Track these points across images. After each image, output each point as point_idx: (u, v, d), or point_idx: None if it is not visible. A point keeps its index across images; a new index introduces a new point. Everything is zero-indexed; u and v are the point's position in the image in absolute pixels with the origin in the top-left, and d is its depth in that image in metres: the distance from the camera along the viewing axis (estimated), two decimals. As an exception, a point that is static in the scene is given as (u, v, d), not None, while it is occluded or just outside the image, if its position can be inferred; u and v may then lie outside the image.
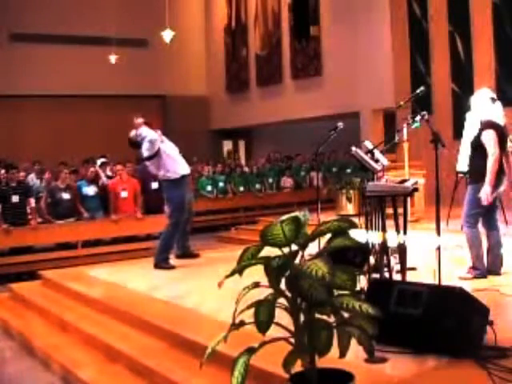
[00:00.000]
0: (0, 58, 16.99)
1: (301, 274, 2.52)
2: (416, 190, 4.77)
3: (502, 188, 5.31)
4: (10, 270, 8.77)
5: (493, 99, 5.42)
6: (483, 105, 5.41)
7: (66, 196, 9.64)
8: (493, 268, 5.32)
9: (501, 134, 5.20)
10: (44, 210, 9.49)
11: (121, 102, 18.59)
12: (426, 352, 3.38)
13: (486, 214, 5.35)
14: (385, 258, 4.71)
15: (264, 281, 2.66)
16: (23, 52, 17.31)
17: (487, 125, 5.23)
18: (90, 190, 9.95)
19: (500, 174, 5.21)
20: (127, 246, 9.64)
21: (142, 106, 19.35)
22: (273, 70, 17.73)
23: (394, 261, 4.91)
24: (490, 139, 5.14)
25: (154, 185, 10.20)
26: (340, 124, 6.16)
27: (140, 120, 7.05)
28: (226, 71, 19.81)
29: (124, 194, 9.96)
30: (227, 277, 2.63)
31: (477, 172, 5.27)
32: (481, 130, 5.24)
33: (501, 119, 5.32)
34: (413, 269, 5.32)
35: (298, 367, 2.61)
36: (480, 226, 5.38)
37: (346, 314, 2.60)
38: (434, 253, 4.34)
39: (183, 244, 7.34)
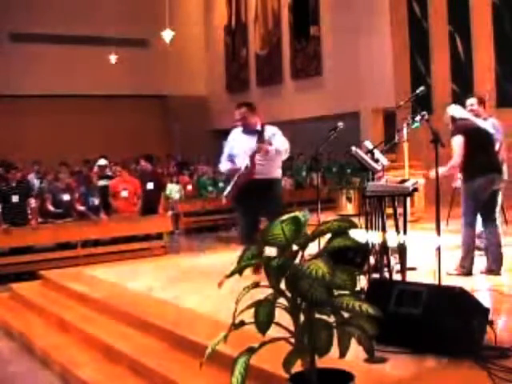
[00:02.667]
0: (0, 58, 17.00)
1: (301, 274, 2.52)
2: (416, 190, 4.78)
3: (495, 187, 5.35)
4: (10, 270, 8.76)
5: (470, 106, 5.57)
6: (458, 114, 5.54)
7: (65, 197, 9.66)
8: (493, 267, 5.34)
9: (475, 134, 5.24)
10: (50, 211, 9.52)
11: (121, 102, 18.61)
12: (425, 352, 3.38)
13: (483, 213, 5.41)
14: (385, 257, 4.71)
15: (264, 281, 2.66)
16: (23, 52, 17.33)
17: (457, 129, 5.32)
18: (96, 200, 9.92)
19: (491, 171, 5.28)
20: (127, 246, 9.63)
21: (142, 106, 19.42)
22: (273, 70, 17.74)
23: (394, 261, 4.92)
24: (456, 146, 5.26)
25: (149, 185, 10.22)
26: (340, 124, 6.16)
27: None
28: (226, 71, 19.81)
29: (124, 194, 9.97)
30: (227, 277, 2.63)
31: (466, 171, 5.36)
32: (452, 134, 5.34)
33: (477, 121, 5.40)
34: (413, 269, 5.32)
35: (298, 367, 2.61)
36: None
37: (346, 314, 2.60)
38: (434, 253, 4.34)
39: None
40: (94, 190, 9.97)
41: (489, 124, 5.82)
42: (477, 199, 5.32)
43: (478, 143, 5.28)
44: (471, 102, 5.87)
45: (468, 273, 5.32)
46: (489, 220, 5.44)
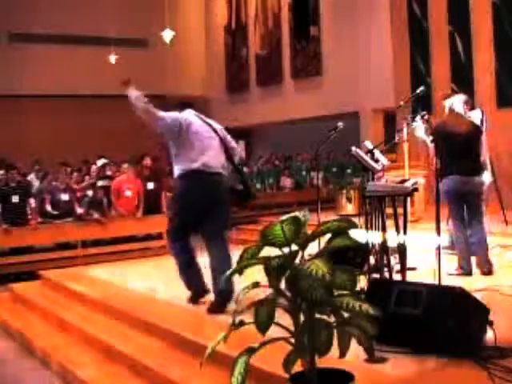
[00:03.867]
0: (0, 58, 16.99)
1: (301, 274, 2.52)
2: (416, 190, 4.78)
3: (466, 188, 5.38)
4: (10, 270, 8.77)
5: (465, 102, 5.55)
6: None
7: (64, 197, 9.66)
8: (484, 269, 5.37)
9: (442, 138, 5.27)
10: (48, 212, 9.53)
11: (121, 102, 18.55)
12: (426, 352, 3.38)
13: (467, 215, 5.45)
14: (385, 257, 4.71)
15: (264, 281, 2.66)
16: (23, 52, 17.30)
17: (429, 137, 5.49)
18: (96, 214, 9.86)
19: (452, 174, 5.32)
20: (127, 246, 9.63)
21: (142, 106, 19.40)
22: (273, 70, 17.72)
23: (394, 261, 4.92)
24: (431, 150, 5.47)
25: (150, 185, 10.21)
26: (340, 124, 6.16)
27: None
28: (226, 71, 19.81)
29: (128, 193, 9.97)
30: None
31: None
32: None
33: (447, 125, 5.41)
34: (413, 269, 5.32)
35: (298, 367, 2.61)
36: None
37: (346, 314, 2.60)
38: (434, 253, 4.34)
39: None
40: (98, 203, 9.91)
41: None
42: (449, 201, 5.43)
43: (445, 147, 5.25)
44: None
45: (468, 273, 5.33)
46: (472, 221, 5.47)
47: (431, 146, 5.37)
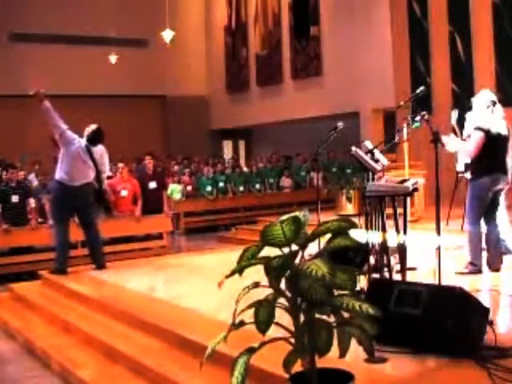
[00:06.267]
0: (0, 58, 16.99)
1: (301, 274, 2.52)
2: (416, 189, 4.78)
3: (499, 186, 5.43)
4: (10, 270, 8.76)
5: (494, 102, 5.49)
6: (481, 110, 5.51)
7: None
8: (491, 263, 5.40)
9: (492, 138, 5.30)
10: (49, 212, 9.50)
11: (121, 102, 18.59)
12: (425, 352, 3.38)
13: (486, 212, 5.48)
14: (385, 257, 4.71)
15: (264, 281, 2.66)
16: (23, 52, 17.31)
17: (479, 127, 5.41)
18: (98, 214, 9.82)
19: (495, 172, 5.35)
20: (126, 246, 9.62)
21: (142, 106, 19.42)
22: (273, 70, 17.73)
23: (394, 261, 4.91)
24: (475, 139, 5.33)
25: (152, 184, 10.19)
26: (340, 124, 6.16)
27: None
28: (226, 71, 19.82)
29: (124, 193, 9.93)
30: (227, 277, 2.63)
31: (474, 170, 5.44)
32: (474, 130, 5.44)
33: (496, 125, 5.38)
34: (413, 269, 5.32)
35: (298, 367, 2.61)
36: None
37: (346, 314, 2.60)
38: (434, 253, 4.34)
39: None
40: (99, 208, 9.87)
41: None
42: (481, 197, 5.40)
43: (493, 147, 5.34)
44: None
45: (479, 270, 5.35)
46: (490, 218, 5.51)
47: (479, 137, 5.33)
